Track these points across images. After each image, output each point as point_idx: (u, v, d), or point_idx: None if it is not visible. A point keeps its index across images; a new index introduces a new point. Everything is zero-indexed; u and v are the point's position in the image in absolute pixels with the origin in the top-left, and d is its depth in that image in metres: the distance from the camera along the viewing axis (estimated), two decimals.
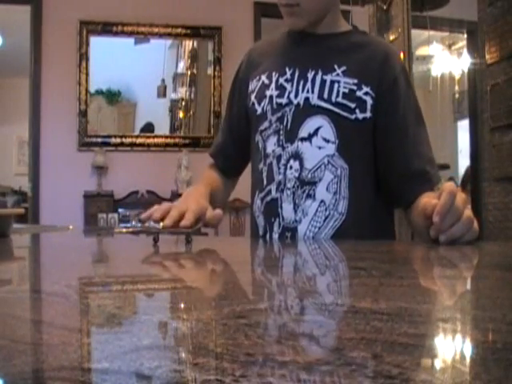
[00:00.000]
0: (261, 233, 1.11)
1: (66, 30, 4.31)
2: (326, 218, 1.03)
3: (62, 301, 0.41)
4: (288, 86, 1.09)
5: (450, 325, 0.33)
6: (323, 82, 1.06)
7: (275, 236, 1.08)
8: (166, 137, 4.55)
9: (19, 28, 5.01)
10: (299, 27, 1.12)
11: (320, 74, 1.07)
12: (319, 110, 1.05)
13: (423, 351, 0.27)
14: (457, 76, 6.39)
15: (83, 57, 4.35)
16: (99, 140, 4.38)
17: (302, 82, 1.08)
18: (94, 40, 4.39)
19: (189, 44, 4.68)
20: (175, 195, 4.27)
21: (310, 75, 1.08)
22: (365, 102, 1.05)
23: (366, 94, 1.05)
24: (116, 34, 4.43)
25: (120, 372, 0.23)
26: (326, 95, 1.05)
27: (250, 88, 1.17)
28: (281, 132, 1.08)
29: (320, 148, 1.05)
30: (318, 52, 1.11)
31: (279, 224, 1.07)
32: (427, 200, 0.86)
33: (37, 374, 0.24)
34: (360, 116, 1.05)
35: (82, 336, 0.31)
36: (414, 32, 3.70)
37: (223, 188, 1.25)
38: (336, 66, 1.07)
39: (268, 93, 1.11)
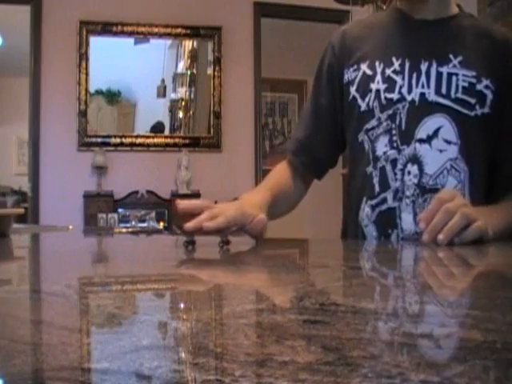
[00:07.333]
0: None
1: (66, 30, 4.31)
2: None
3: (61, 301, 0.41)
4: (398, 78, 0.97)
5: (449, 325, 0.33)
6: (439, 74, 0.95)
7: None
8: (166, 137, 4.54)
9: (19, 28, 5.00)
10: None
11: (435, 65, 0.96)
12: (438, 108, 0.95)
13: (423, 351, 0.27)
14: None
15: (83, 57, 4.35)
16: (99, 140, 4.38)
17: (414, 75, 0.96)
18: (94, 40, 4.39)
19: (189, 44, 4.68)
20: (175, 195, 4.28)
21: (424, 67, 0.96)
22: (485, 96, 0.95)
23: (487, 87, 0.95)
24: (116, 34, 4.43)
25: (120, 372, 0.23)
26: (444, 90, 0.95)
27: (347, 78, 1.04)
28: (393, 132, 0.96)
29: (441, 151, 0.94)
30: (428, 40, 0.98)
31: (397, 236, 0.96)
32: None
33: (37, 374, 0.23)
34: (479, 112, 0.95)
35: (81, 336, 0.31)
36: None
37: (289, 195, 1.09)
38: (451, 56, 0.96)
39: (374, 86, 0.99)
